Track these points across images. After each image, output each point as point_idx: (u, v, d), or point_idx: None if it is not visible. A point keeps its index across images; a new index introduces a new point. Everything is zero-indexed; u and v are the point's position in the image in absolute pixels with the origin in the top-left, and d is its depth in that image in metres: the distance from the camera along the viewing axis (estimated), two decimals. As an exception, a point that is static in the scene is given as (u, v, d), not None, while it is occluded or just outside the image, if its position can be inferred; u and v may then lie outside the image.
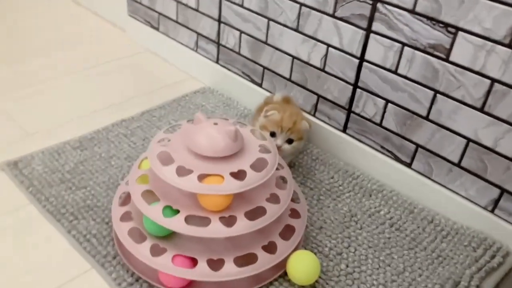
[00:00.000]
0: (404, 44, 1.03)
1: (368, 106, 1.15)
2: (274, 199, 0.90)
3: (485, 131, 0.97)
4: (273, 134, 1.10)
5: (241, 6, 1.32)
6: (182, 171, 0.84)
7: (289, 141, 1.10)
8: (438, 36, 0.97)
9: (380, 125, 1.15)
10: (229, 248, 0.87)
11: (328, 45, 1.17)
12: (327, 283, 0.92)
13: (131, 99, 1.42)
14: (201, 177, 0.84)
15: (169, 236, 0.88)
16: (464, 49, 0.94)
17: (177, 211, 0.85)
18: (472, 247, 1.02)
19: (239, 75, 1.43)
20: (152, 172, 0.90)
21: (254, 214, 0.86)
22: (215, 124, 0.88)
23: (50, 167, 1.12)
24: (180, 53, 1.58)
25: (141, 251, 0.86)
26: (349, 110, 1.20)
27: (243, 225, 0.84)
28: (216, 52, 1.47)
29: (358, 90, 1.16)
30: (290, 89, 1.31)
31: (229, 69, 1.46)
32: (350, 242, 1.01)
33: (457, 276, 0.94)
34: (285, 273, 0.91)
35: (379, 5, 1.03)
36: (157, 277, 0.87)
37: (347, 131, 1.23)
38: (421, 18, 0.98)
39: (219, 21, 1.41)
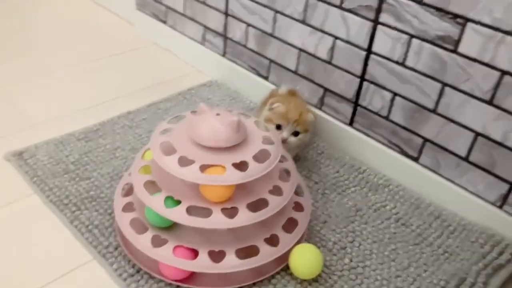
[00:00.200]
0: (412, 36, 1.01)
1: (375, 99, 1.13)
2: (277, 191, 0.89)
3: (494, 125, 0.95)
4: (279, 127, 1.09)
5: (248, -2, 1.31)
6: (184, 161, 0.83)
7: (295, 134, 1.09)
8: (447, 27, 0.95)
9: (387, 118, 1.13)
10: (231, 240, 0.86)
11: (335, 37, 1.15)
12: (330, 278, 0.91)
13: (137, 92, 1.41)
14: (203, 168, 0.83)
15: (171, 227, 0.88)
16: (473, 40, 0.92)
17: (179, 202, 0.84)
18: (479, 243, 0.99)
19: (246, 69, 1.42)
20: (155, 163, 0.89)
21: (256, 206, 0.85)
22: (218, 114, 0.87)
23: (55, 158, 1.12)
24: (187, 46, 1.57)
25: (142, 241, 0.85)
26: (355, 103, 1.18)
27: (244, 217, 0.83)
28: (223, 45, 1.46)
29: (365, 83, 1.14)
30: (296, 82, 1.29)
31: (235, 62, 1.44)
32: (354, 236, 1.00)
33: (463, 273, 0.92)
34: (287, 267, 0.90)
35: (386, -4, 1.02)
36: (158, 268, 0.87)
37: (354, 124, 1.21)
38: (429, 9, 0.96)
39: (226, 14, 1.40)
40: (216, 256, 0.84)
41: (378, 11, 1.04)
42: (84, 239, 0.94)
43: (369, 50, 1.10)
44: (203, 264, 0.83)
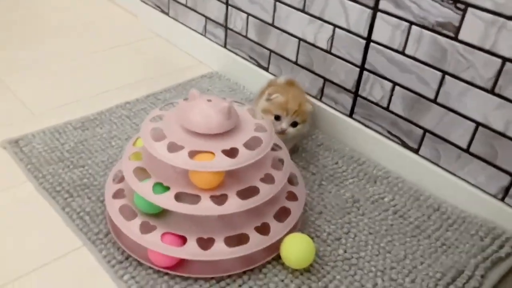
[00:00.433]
0: (411, 23, 0.98)
1: (375, 89, 1.11)
2: (268, 179, 0.87)
3: (495, 114, 0.92)
4: (277, 118, 1.07)
5: (248, -13, 1.29)
6: (173, 147, 0.82)
7: (294, 124, 1.07)
8: (447, 14, 0.92)
9: (387, 109, 1.10)
10: (220, 228, 0.85)
11: (335, 26, 1.13)
12: (322, 268, 0.89)
13: (137, 83, 1.41)
14: (192, 154, 0.81)
15: (160, 214, 0.86)
16: (473, 27, 0.89)
17: (168, 188, 0.83)
18: (479, 236, 0.96)
19: (246, 60, 1.40)
20: (145, 149, 0.88)
21: (247, 193, 0.83)
22: (209, 101, 0.85)
23: (50, 146, 1.11)
24: (189, 38, 1.56)
25: (131, 228, 0.84)
26: (355, 94, 1.16)
27: (234, 204, 0.81)
28: (224, 36, 1.45)
29: (365, 73, 1.11)
30: (296, 72, 1.27)
31: (236, 54, 1.43)
32: (350, 228, 0.98)
33: (461, 265, 0.90)
34: (279, 256, 0.88)
35: (386, -18, 0.99)
36: (147, 255, 0.85)
37: (354, 116, 1.18)
38: (429, -6, 0.94)
39: (227, 4, 1.38)
40: (205, 243, 0.82)
41: (378, -2, 1.02)
42: (75, 225, 0.93)
43: (369, 39, 1.07)
44: (191, 251, 0.81)
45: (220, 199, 0.81)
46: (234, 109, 0.86)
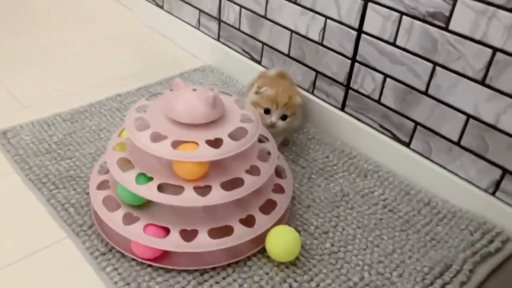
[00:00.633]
0: (402, 13, 0.97)
1: (366, 82, 1.09)
2: (254, 171, 0.86)
3: (486, 106, 0.91)
4: (267, 111, 1.05)
5: (240, -21, 1.28)
6: (156, 137, 0.81)
7: (283, 117, 1.06)
8: (438, 3, 0.90)
9: (378, 102, 1.09)
10: (204, 219, 0.84)
11: (326, 17, 1.11)
12: (308, 261, 0.87)
13: (129, 76, 1.40)
14: (176, 144, 0.80)
15: (144, 205, 0.85)
16: (464, 16, 0.88)
17: (151, 179, 0.81)
18: (469, 230, 0.95)
19: (239, 53, 1.39)
20: (129, 139, 0.87)
21: (232, 185, 0.82)
22: (194, 90, 0.84)
23: (38, 138, 1.10)
24: (183, 31, 1.55)
25: (113, 219, 0.83)
26: (347, 87, 1.14)
27: (218, 195, 0.80)
28: (217, 29, 1.43)
29: (357, 65, 1.10)
30: (289, 65, 1.26)
31: (229, 47, 1.42)
32: (338, 221, 0.96)
33: (449, 260, 0.88)
34: (265, 249, 0.87)
35: (377, -28, 0.98)
36: (130, 247, 0.84)
37: (346, 109, 1.17)
38: (420, -16, 0.92)
39: (220, -4, 1.37)
40: (189, 235, 0.81)
41: (369, -12, 1.01)
42: (59, 217, 0.92)
43: (360, 30, 1.06)
44: (174, 242, 0.80)
45: (203, 190, 0.80)
46: (220, 99, 0.85)
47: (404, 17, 0.97)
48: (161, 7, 1.61)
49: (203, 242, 0.81)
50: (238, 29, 1.36)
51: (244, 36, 1.35)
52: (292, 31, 1.21)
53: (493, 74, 0.87)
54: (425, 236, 0.94)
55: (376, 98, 1.09)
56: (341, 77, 1.14)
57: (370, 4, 1.01)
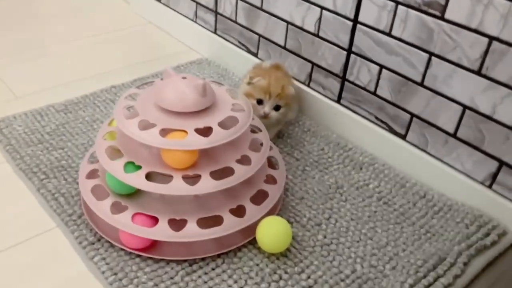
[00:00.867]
0: (398, 3, 0.95)
1: (362, 73, 1.08)
2: (245, 161, 0.84)
3: (482, 97, 0.89)
4: (260, 102, 1.04)
5: (237, -30, 1.27)
6: (145, 125, 0.80)
7: (276, 108, 1.04)
8: (433, -8, 0.89)
9: (374, 93, 1.07)
10: (193, 209, 0.82)
11: (322, 8, 1.10)
12: (300, 253, 0.86)
13: (125, 68, 1.39)
14: (164, 132, 0.79)
15: (133, 194, 0.84)
16: (460, 4, 0.86)
17: (140, 167, 0.80)
18: (464, 223, 0.93)
19: (236, 45, 1.38)
20: (118, 128, 0.86)
21: (221, 174, 0.81)
22: (184, 78, 0.83)
23: (31, 128, 1.10)
24: (180, 24, 1.54)
25: (101, 208, 0.82)
26: (343, 78, 1.13)
27: (207, 184, 0.79)
28: (214, 21, 1.42)
29: (352, 56, 1.08)
30: (285, 57, 1.24)
31: (226, 39, 1.40)
32: (331, 213, 0.95)
33: (443, 253, 0.87)
34: (255, 240, 0.85)
35: (372, -40, 0.96)
36: (119, 237, 0.83)
37: (342, 101, 1.15)
38: (416, -28, 0.90)
39: (217, -12, 1.36)
40: (178, 224, 0.80)
41: (364, -23, 0.99)
42: (49, 206, 0.91)
43: (355, 20, 1.04)
44: (162, 232, 0.79)
45: (192, 179, 0.79)
46: (210, 87, 0.84)
47: (399, 6, 0.95)
48: (159, 0, 1.60)
49: (192, 232, 0.79)
50: (235, 21, 1.35)
51: (241, 28, 1.34)
52: (288, 22, 1.19)
53: (490, 64, 0.86)
54: (420, 229, 0.93)
55: (372, 89, 1.07)
56: (337, 69, 1.13)
57: (365, -6, 1.00)
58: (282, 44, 1.24)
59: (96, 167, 0.90)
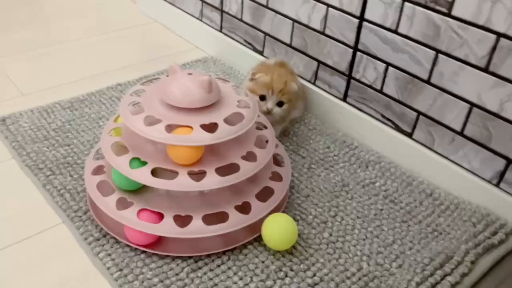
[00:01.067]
0: (404, 0, 0.95)
1: (368, 71, 1.07)
2: (251, 157, 0.84)
3: (489, 94, 0.88)
4: (262, 98, 1.04)
5: (243, -32, 1.27)
6: (151, 121, 0.80)
7: (280, 104, 1.04)
8: (441, -11, 0.88)
9: (380, 91, 1.07)
10: (199, 205, 0.82)
11: (328, 5, 1.09)
12: (305, 251, 0.85)
13: (130, 66, 1.39)
14: (170, 128, 0.79)
15: (138, 190, 0.84)
16: (467, 1, 0.85)
17: (145, 163, 0.80)
18: (472, 222, 0.92)
19: (241, 43, 1.38)
20: (124, 124, 0.86)
21: (227, 170, 0.81)
22: (190, 74, 0.83)
23: (37, 125, 1.10)
24: (185, 23, 1.54)
25: (107, 204, 0.82)
26: (349, 76, 1.12)
27: (212, 181, 0.79)
28: (220, 19, 1.42)
29: (358, 54, 1.08)
30: (291, 55, 1.24)
31: (231, 38, 1.40)
32: (337, 211, 0.94)
33: (450, 251, 0.86)
34: (261, 238, 0.85)
35: (379, -43, 0.96)
36: (124, 232, 0.83)
37: (348, 99, 1.15)
38: (423, -31, 0.90)
39: (222, -14, 1.36)
40: (183, 221, 0.80)
41: (371, -25, 0.99)
42: (55, 202, 0.91)
43: (361, 18, 1.04)
44: (167, 228, 0.79)
45: (198, 175, 0.79)
46: (216, 83, 0.84)
47: (406, 3, 0.95)
48: (165, -1, 1.61)
49: (197, 228, 0.79)
50: (241, 20, 1.35)
51: (246, 26, 1.34)
52: (293, 20, 1.19)
53: (497, 61, 0.85)
54: (426, 227, 0.92)
55: (378, 87, 1.07)
56: (343, 67, 1.12)
57: (372, -9, 1.00)
58: (288, 42, 1.23)
59: (101, 163, 0.90)
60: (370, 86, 1.09)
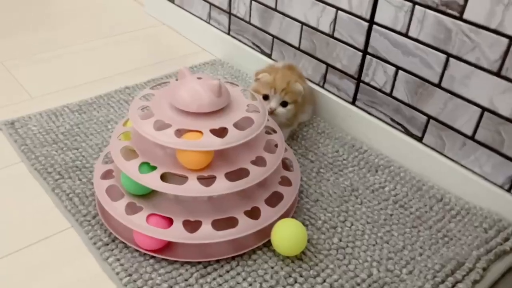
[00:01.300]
0: (415, 3, 0.94)
1: (378, 74, 1.07)
2: (260, 162, 0.84)
3: (501, 98, 0.87)
4: (266, 97, 1.03)
5: (251, -29, 1.26)
6: (160, 126, 0.80)
7: (284, 104, 1.04)
8: (452, -8, 0.88)
9: (390, 95, 1.06)
10: (208, 210, 0.82)
11: (337, 8, 1.09)
12: (315, 256, 0.85)
13: (138, 69, 1.39)
14: (180, 132, 0.79)
15: (148, 195, 0.84)
16: (479, 4, 0.84)
17: (155, 168, 0.80)
18: (483, 228, 0.91)
19: (249, 46, 1.37)
20: (133, 128, 0.86)
21: (236, 175, 0.80)
22: (199, 78, 0.83)
23: (46, 128, 1.10)
24: (193, 25, 1.54)
25: (116, 208, 0.82)
26: (358, 80, 1.11)
27: (222, 186, 0.78)
28: (228, 22, 1.42)
29: (368, 57, 1.07)
30: (299, 58, 1.23)
31: (239, 40, 1.40)
32: (347, 216, 0.93)
33: (461, 257, 0.85)
34: (270, 243, 0.84)
35: (389, -40, 0.95)
36: (133, 237, 0.83)
37: (357, 103, 1.14)
38: (434, -28, 0.89)
39: (230, -11, 1.36)
40: (192, 226, 0.79)
41: (381, -22, 0.98)
42: (63, 207, 0.91)
43: (371, 21, 1.03)
44: (176, 233, 0.79)
45: (207, 180, 0.78)
46: (225, 88, 0.83)
47: (416, 6, 0.94)
48: (172, 1, 1.60)
49: (207, 234, 0.79)
50: (249, 22, 1.34)
51: (254, 29, 1.33)
52: (302, 23, 1.19)
53: (510, 65, 0.84)
54: (437, 233, 0.91)
55: (388, 91, 1.06)
56: (352, 70, 1.12)
57: (382, -6, 0.99)
58: (297, 45, 1.23)
59: (111, 168, 0.90)
60: (379, 90, 1.08)
